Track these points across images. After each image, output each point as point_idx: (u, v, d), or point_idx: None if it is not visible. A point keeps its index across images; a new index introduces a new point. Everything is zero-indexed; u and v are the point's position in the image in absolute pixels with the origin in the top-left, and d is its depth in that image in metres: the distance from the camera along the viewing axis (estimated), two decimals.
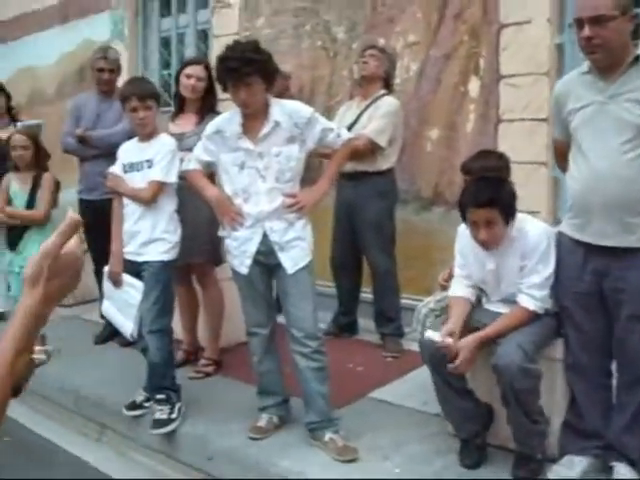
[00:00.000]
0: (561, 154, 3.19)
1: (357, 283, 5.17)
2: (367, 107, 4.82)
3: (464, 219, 3.17)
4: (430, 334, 3.10)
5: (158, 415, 3.81)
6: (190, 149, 3.85)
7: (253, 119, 3.43)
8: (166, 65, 7.37)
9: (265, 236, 3.46)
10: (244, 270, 3.54)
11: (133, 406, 4.04)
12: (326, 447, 3.40)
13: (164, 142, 3.96)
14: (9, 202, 5.04)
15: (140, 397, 4.04)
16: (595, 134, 2.88)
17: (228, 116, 3.56)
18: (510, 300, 3.23)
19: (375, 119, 4.72)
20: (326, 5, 5.60)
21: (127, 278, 3.93)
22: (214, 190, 3.63)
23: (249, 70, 3.28)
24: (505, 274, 3.22)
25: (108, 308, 4.08)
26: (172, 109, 4.77)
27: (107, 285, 4.05)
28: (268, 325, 3.65)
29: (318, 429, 3.48)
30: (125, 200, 4.01)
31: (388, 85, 4.89)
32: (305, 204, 3.48)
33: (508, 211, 3.07)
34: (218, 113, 4.12)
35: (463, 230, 3.30)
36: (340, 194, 4.99)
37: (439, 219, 5.13)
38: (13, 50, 9.37)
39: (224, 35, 6.20)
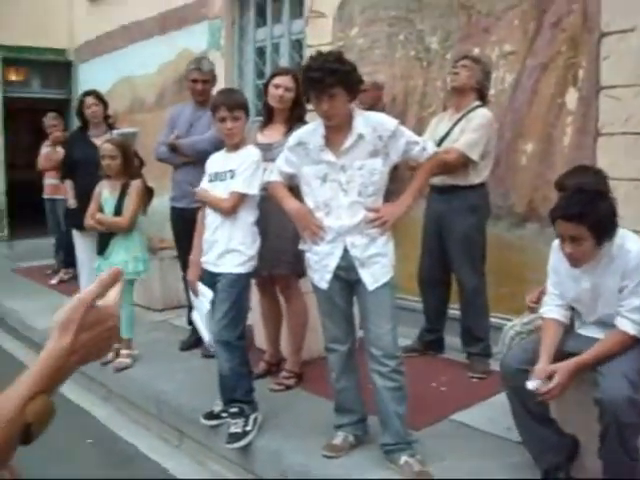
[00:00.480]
0: None
1: (444, 299, 5.03)
2: (459, 119, 4.68)
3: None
4: (531, 385, 2.91)
5: (233, 429, 3.78)
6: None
7: (336, 131, 3.36)
8: (261, 75, 7.41)
9: (346, 251, 3.38)
10: (324, 285, 3.47)
11: (210, 416, 4.02)
12: (401, 471, 3.28)
13: (249, 153, 3.94)
14: (100, 209, 5.13)
15: (217, 407, 4.02)
16: None
17: (311, 128, 3.50)
18: (606, 323, 3.04)
19: (467, 132, 4.58)
20: (420, 14, 5.49)
21: (201, 287, 3.95)
22: (294, 203, 3.56)
23: (332, 81, 3.21)
24: (602, 294, 3.02)
25: (195, 316, 4.13)
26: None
27: (191, 293, 4.11)
28: (347, 342, 3.57)
29: (394, 451, 3.37)
30: (207, 209, 4.02)
31: (482, 96, 4.73)
32: (388, 219, 3.38)
33: (600, 229, 2.87)
34: (306, 123, 4.08)
35: (557, 245, 3.12)
36: (430, 208, 4.87)
37: (532, 236, 4.93)
38: (116, 60, 9.68)
39: (318, 45, 6.17)
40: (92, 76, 10.41)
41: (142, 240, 5.28)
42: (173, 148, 5.28)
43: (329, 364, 3.64)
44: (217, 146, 4.33)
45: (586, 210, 2.84)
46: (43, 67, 11.52)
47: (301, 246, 3.61)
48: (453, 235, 4.71)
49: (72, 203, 6.32)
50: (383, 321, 3.34)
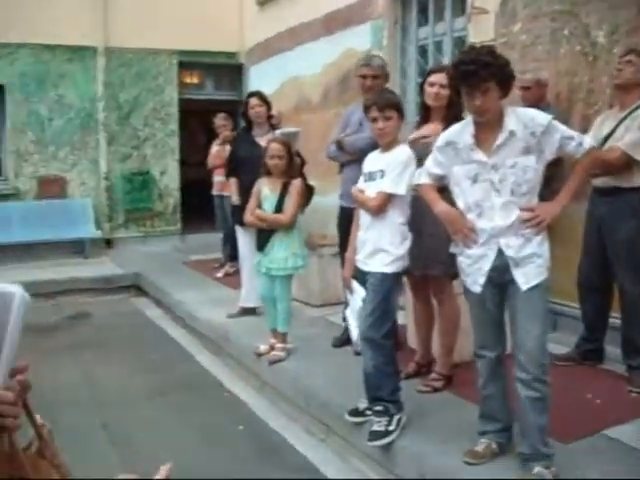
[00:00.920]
0: None
1: (604, 306, 4.77)
2: (624, 118, 4.43)
3: None
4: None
5: (376, 427, 3.80)
6: None
7: (486, 129, 3.28)
8: (423, 74, 7.34)
9: (500, 252, 3.29)
10: (477, 289, 3.39)
11: (355, 413, 4.06)
12: None
13: (399, 153, 3.93)
14: (259, 206, 5.29)
15: (362, 405, 4.06)
16: None
17: (459, 127, 3.43)
18: None
19: (631, 131, 4.33)
20: (586, 8, 5.24)
21: (355, 285, 4.02)
22: (444, 206, 3.50)
23: (485, 75, 3.13)
24: None
25: (347, 313, 4.22)
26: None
27: (346, 290, 4.20)
28: (496, 348, 3.48)
29: (529, 460, 3.25)
30: (361, 209, 4.07)
31: None
32: (543, 219, 3.25)
33: None
34: None
35: None
36: (591, 210, 4.66)
37: None
38: (284, 61, 9.96)
39: (480, 42, 6.05)
40: (261, 77, 10.77)
41: (301, 237, 5.41)
42: (340, 146, 5.35)
43: (477, 370, 3.56)
44: (376, 145, 4.35)
45: None
46: (216, 70, 12.05)
47: (452, 249, 3.55)
48: (615, 239, 4.48)
49: (236, 200, 6.57)
50: (532, 325, 3.22)
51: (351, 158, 5.20)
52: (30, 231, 10.21)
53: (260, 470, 4.01)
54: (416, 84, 7.29)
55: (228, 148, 7.46)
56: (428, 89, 4.44)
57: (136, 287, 9.14)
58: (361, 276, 3.96)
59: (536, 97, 5.26)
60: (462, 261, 3.46)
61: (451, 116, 4.34)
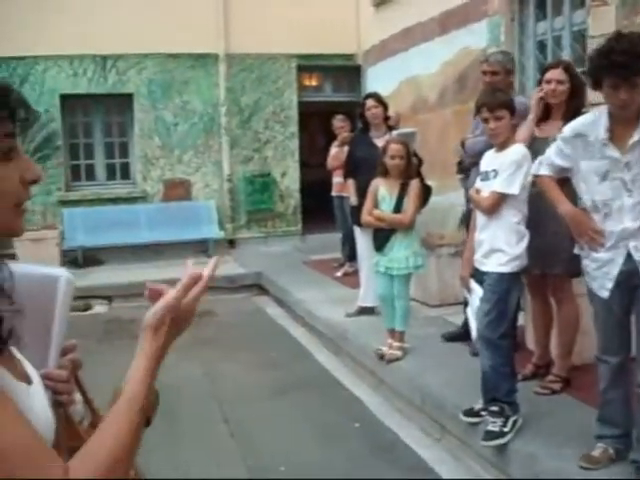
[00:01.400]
0: None
1: None
2: None
3: None
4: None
5: (491, 427, 3.79)
6: None
7: (621, 124, 3.12)
8: (542, 69, 7.22)
9: (629, 256, 3.17)
10: (604, 294, 3.27)
11: (471, 413, 4.07)
12: None
13: (512, 152, 3.90)
14: (375, 206, 5.34)
15: (478, 405, 4.05)
16: None
17: (591, 118, 3.29)
18: None
19: None
20: None
21: (472, 284, 4.04)
22: (569, 205, 3.41)
23: (638, 68, 2.95)
24: None
25: (468, 311, 4.25)
26: None
27: (465, 290, 4.23)
28: (620, 353, 3.36)
29: None
30: (477, 209, 4.09)
31: None
32: None
33: None
34: None
35: None
36: None
37: None
38: (401, 61, 9.98)
39: (600, 36, 5.88)
40: (378, 78, 10.83)
41: (419, 236, 5.45)
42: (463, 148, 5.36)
43: (599, 374, 3.47)
44: (491, 146, 4.32)
45: None
46: (334, 72, 12.23)
47: (577, 250, 3.47)
48: None
49: (354, 200, 6.66)
50: None
51: (472, 160, 5.17)
52: (157, 232, 10.73)
53: (374, 468, 4.08)
54: (535, 80, 7.16)
55: (346, 149, 7.56)
56: (545, 86, 4.37)
57: (258, 286, 9.42)
58: (479, 276, 3.98)
59: None
60: (588, 264, 3.36)
61: (572, 112, 4.24)
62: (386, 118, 6.72)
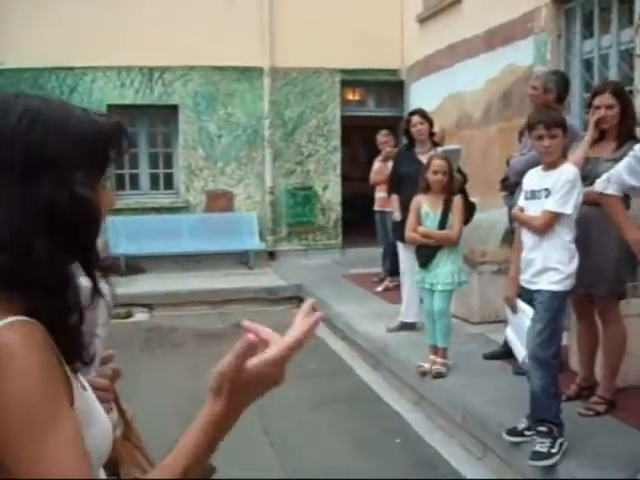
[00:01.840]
0: None
1: None
2: None
3: None
4: None
5: (538, 447, 3.76)
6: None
7: None
8: (588, 88, 7.18)
9: None
10: None
11: (514, 432, 4.04)
12: None
13: (564, 171, 3.89)
14: (418, 222, 5.35)
15: (522, 424, 4.03)
16: None
17: None
18: None
19: None
20: None
21: (520, 304, 4.00)
22: (634, 233, 3.43)
23: None
24: None
25: (509, 333, 4.21)
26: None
27: (507, 310, 4.18)
28: None
29: None
30: (523, 228, 4.06)
31: None
32: None
33: None
34: (637, 139, 3.91)
35: None
36: None
37: None
38: (445, 77, 9.99)
39: None
40: (421, 94, 10.84)
41: (462, 252, 5.46)
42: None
43: None
44: (533, 165, 4.33)
45: None
46: (377, 87, 12.29)
47: None
48: None
49: (397, 216, 6.70)
50: None
51: (516, 180, 5.15)
52: (198, 242, 10.84)
53: None
54: (581, 99, 7.13)
55: (390, 164, 7.58)
56: (595, 112, 4.35)
57: (298, 298, 9.45)
58: (526, 295, 3.96)
59: None
60: None
61: (625, 133, 4.26)
62: (431, 134, 6.74)
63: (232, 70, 11.37)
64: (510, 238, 6.33)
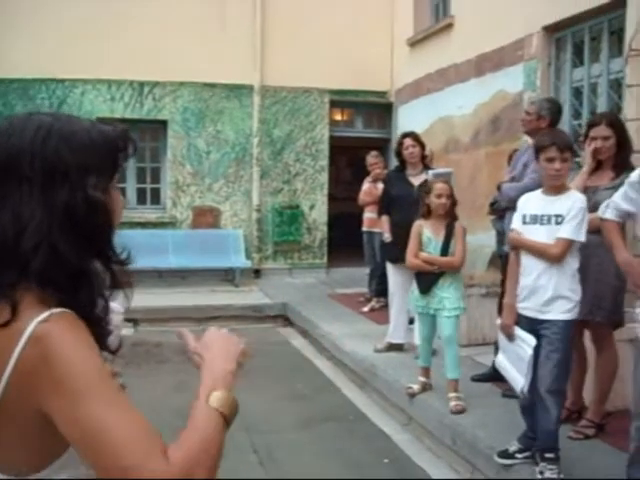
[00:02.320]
0: None
1: None
2: None
3: None
4: None
5: (548, 474, 3.75)
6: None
7: None
8: (577, 115, 7.30)
9: None
10: None
11: (505, 454, 4.06)
12: None
13: (576, 198, 3.83)
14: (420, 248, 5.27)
15: (513, 447, 4.05)
16: None
17: None
18: None
19: None
20: None
21: (519, 332, 3.91)
22: (627, 255, 3.45)
23: None
24: None
25: (502, 361, 4.12)
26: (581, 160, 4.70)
27: (501, 337, 4.10)
28: None
29: None
30: (523, 254, 3.97)
31: None
32: None
33: None
34: (633, 168, 3.97)
35: None
36: None
37: None
38: (434, 101, 10.10)
39: (637, 85, 5.97)
40: (410, 117, 10.95)
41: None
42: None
43: (631, 432, 3.45)
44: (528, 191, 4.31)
45: None
46: (366, 108, 12.36)
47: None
48: None
49: (387, 237, 6.73)
50: None
51: (507, 205, 5.14)
52: (184, 258, 10.81)
53: None
54: (570, 126, 7.23)
55: (380, 185, 7.61)
56: (590, 144, 4.39)
57: (283, 317, 9.45)
58: (529, 324, 3.88)
59: None
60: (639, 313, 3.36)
61: (621, 162, 4.31)
62: (423, 157, 6.79)
63: (222, 87, 11.40)
64: (497, 261, 6.38)
